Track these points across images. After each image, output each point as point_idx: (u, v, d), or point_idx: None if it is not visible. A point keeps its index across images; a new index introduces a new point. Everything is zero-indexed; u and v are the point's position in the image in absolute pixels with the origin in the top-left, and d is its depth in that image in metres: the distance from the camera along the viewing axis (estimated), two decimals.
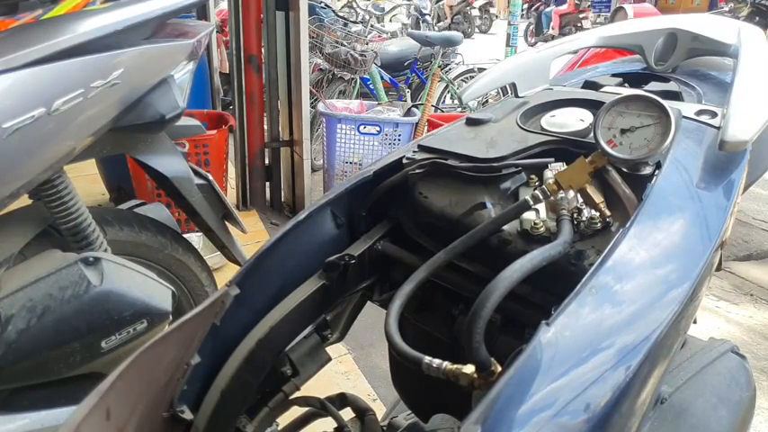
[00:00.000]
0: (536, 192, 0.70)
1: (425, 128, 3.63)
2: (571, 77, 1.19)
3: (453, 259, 0.73)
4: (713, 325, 2.54)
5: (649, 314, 0.58)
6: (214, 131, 2.81)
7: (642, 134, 0.70)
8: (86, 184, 3.17)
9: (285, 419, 0.80)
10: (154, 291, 1.31)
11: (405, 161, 0.86)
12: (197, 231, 1.94)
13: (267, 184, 3.47)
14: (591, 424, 0.49)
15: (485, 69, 1.40)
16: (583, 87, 1.06)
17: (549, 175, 0.75)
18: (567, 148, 0.81)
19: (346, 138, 3.35)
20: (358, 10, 4.83)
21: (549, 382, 0.49)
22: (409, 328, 0.83)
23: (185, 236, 1.70)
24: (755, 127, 0.77)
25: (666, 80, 1.07)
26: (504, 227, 0.73)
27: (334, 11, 4.71)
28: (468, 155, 0.81)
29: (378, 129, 3.33)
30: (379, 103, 3.79)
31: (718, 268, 0.85)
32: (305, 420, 0.81)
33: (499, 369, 0.57)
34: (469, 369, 0.57)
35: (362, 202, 0.87)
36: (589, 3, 10.90)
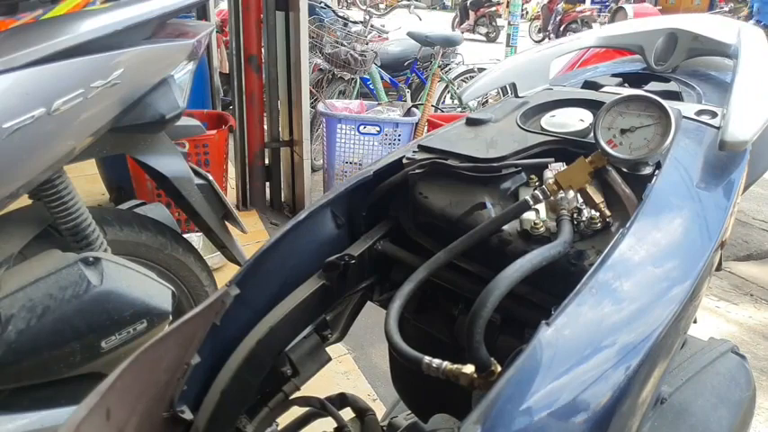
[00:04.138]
0: (536, 192, 0.70)
1: (425, 128, 3.63)
2: (571, 77, 1.19)
3: (453, 259, 0.73)
4: (713, 325, 2.55)
5: (649, 314, 0.58)
6: (214, 131, 2.80)
7: (642, 134, 0.70)
8: (86, 184, 3.18)
9: (285, 419, 0.80)
10: (154, 291, 1.31)
11: (405, 161, 0.86)
12: (197, 231, 1.94)
13: (267, 184, 3.47)
14: (591, 424, 0.49)
15: (485, 69, 1.40)
16: (583, 87, 1.06)
17: (548, 175, 0.75)
18: (567, 148, 0.81)
19: (346, 138, 3.35)
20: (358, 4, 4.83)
21: (549, 382, 0.49)
22: (409, 328, 0.83)
23: (185, 236, 1.70)
24: (755, 127, 0.77)
25: (666, 80, 1.07)
26: (504, 227, 0.73)
27: (334, 11, 4.71)
28: (468, 155, 0.81)
29: (378, 129, 3.33)
30: (379, 103, 3.79)
31: (718, 268, 0.85)
32: (305, 420, 0.81)
33: (499, 369, 0.57)
34: (469, 369, 0.57)
35: (362, 202, 0.87)
36: None
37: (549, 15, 12.46)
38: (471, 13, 10.47)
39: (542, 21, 12.50)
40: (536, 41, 10.84)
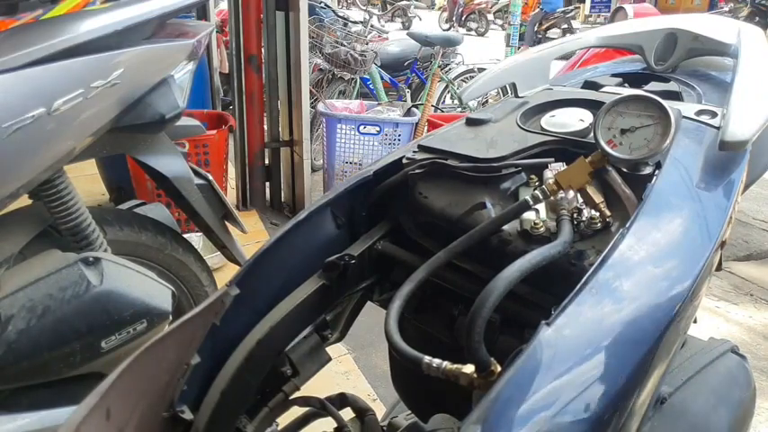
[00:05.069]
0: (536, 192, 0.70)
1: (425, 128, 3.63)
2: (571, 77, 1.19)
3: (453, 259, 0.73)
4: (713, 325, 2.54)
5: (649, 314, 0.58)
6: (214, 131, 2.80)
7: (642, 134, 0.70)
8: (86, 184, 3.17)
9: (285, 419, 0.80)
10: (154, 291, 1.31)
11: (405, 161, 0.86)
12: (197, 231, 1.94)
13: (267, 184, 3.47)
14: (591, 424, 0.49)
15: (485, 69, 1.40)
16: (583, 87, 1.06)
17: (548, 175, 0.75)
18: (567, 148, 0.81)
19: (346, 138, 3.35)
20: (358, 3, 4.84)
21: (549, 382, 0.49)
22: (409, 328, 0.83)
23: (185, 236, 1.70)
24: (755, 127, 0.77)
25: (666, 80, 1.07)
26: (504, 227, 0.73)
27: (334, 11, 4.70)
28: (468, 155, 0.81)
29: (378, 129, 3.33)
30: (379, 103, 3.79)
31: (719, 268, 0.85)
32: (305, 420, 0.81)
33: (499, 369, 0.57)
34: (469, 369, 0.57)
35: (362, 202, 0.87)
36: None
37: (453, 7, 14.57)
38: (389, 6, 11.58)
39: (448, 12, 14.60)
40: (444, 30, 12.17)
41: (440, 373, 0.58)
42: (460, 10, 14.39)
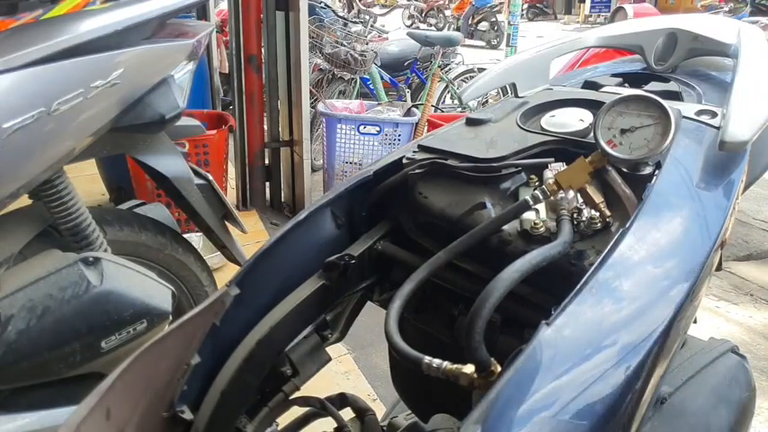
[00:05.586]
0: (536, 192, 0.70)
1: (425, 128, 3.63)
2: (571, 77, 1.19)
3: (453, 259, 0.73)
4: (713, 325, 2.54)
5: (649, 314, 0.58)
6: (214, 131, 2.80)
7: (642, 134, 0.70)
8: (86, 184, 3.17)
9: (285, 419, 0.80)
10: (154, 291, 1.31)
11: (405, 161, 0.86)
12: (197, 231, 1.94)
13: (267, 184, 3.47)
14: (591, 424, 0.49)
15: (485, 69, 1.40)
16: (583, 87, 1.06)
17: (548, 175, 0.75)
18: (567, 148, 0.81)
19: (346, 138, 3.35)
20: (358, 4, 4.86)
21: (549, 382, 0.49)
22: (409, 328, 0.83)
23: (185, 236, 1.70)
24: (755, 127, 0.77)
25: (666, 80, 1.07)
26: (504, 227, 0.73)
27: (334, 11, 4.71)
28: (468, 155, 0.81)
29: (378, 129, 3.33)
30: (379, 103, 3.79)
31: (719, 268, 0.85)
32: (305, 420, 0.81)
33: (499, 369, 0.57)
34: (469, 369, 0.57)
35: (362, 202, 0.87)
36: None
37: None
38: (354, 4, 11.94)
39: (411, 8, 15.42)
40: (407, 26, 12.81)
41: (440, 373, 0.58)
42: (421, 8, 15.04)
